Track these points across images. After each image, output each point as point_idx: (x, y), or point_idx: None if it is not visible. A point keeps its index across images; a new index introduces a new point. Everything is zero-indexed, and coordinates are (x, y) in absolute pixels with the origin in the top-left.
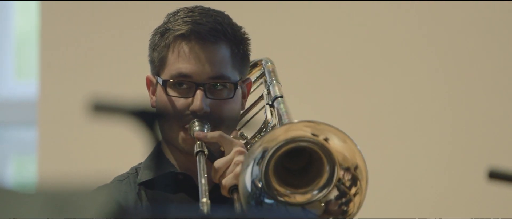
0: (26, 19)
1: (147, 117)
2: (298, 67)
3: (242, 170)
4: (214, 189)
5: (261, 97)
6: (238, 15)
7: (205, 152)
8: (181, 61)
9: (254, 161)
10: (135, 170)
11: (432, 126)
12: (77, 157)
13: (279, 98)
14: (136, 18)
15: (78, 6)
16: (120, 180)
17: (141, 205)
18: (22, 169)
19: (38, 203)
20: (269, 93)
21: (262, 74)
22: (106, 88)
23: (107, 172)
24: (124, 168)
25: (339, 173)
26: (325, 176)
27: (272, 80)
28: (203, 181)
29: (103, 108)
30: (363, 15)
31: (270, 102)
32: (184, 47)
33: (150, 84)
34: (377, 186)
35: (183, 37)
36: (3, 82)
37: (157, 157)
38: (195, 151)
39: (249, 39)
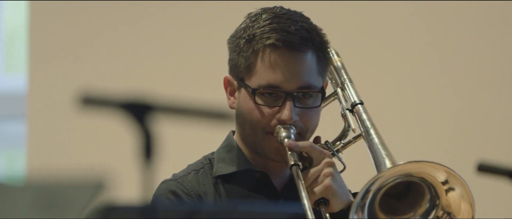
0: (15, 13)
1: (137, 110)
2: None
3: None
4: (287, 188)
5: (333, 94)
6: (242, 14)
7: (300, 166)
8: (272, 71)
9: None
10: (209, 161)
11: (421, 120)
12: (67, 151)
13: (359, 105)
14: (125, 13)
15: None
16: (196, 170)
17: (220, 199)
18: (11, 163)
19: (27, 197)
20: (343, 90)
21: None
22: (95, 81)
23: (96, 166)
24: (113, 161)
25: (439, 212)
26: (424, 207)
27: (344, 79)
28: (305, 198)
29: (92, 101)
30: (365, 14)
31: (349, 108)
32: (275, 57)
33: (228, 84)
34: None
35: (273, 46)
36: None
37: (233, 151)
38: (289, 164)
39: (329, 42)
